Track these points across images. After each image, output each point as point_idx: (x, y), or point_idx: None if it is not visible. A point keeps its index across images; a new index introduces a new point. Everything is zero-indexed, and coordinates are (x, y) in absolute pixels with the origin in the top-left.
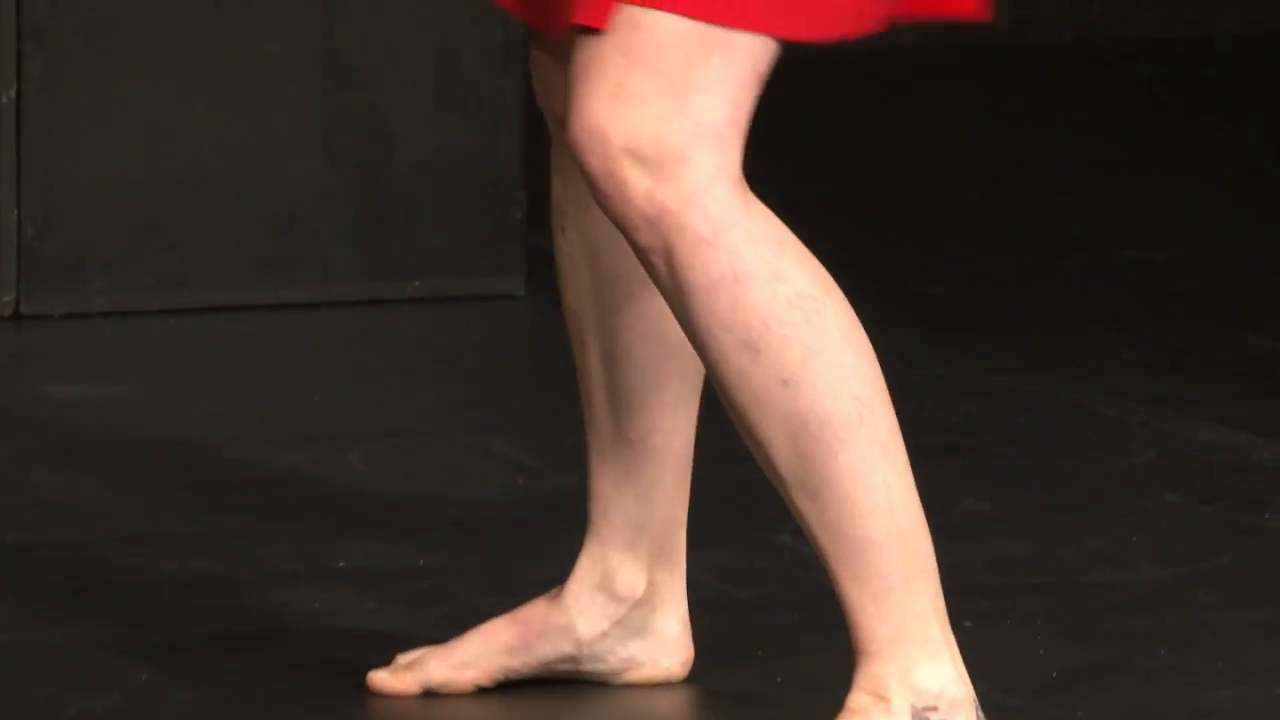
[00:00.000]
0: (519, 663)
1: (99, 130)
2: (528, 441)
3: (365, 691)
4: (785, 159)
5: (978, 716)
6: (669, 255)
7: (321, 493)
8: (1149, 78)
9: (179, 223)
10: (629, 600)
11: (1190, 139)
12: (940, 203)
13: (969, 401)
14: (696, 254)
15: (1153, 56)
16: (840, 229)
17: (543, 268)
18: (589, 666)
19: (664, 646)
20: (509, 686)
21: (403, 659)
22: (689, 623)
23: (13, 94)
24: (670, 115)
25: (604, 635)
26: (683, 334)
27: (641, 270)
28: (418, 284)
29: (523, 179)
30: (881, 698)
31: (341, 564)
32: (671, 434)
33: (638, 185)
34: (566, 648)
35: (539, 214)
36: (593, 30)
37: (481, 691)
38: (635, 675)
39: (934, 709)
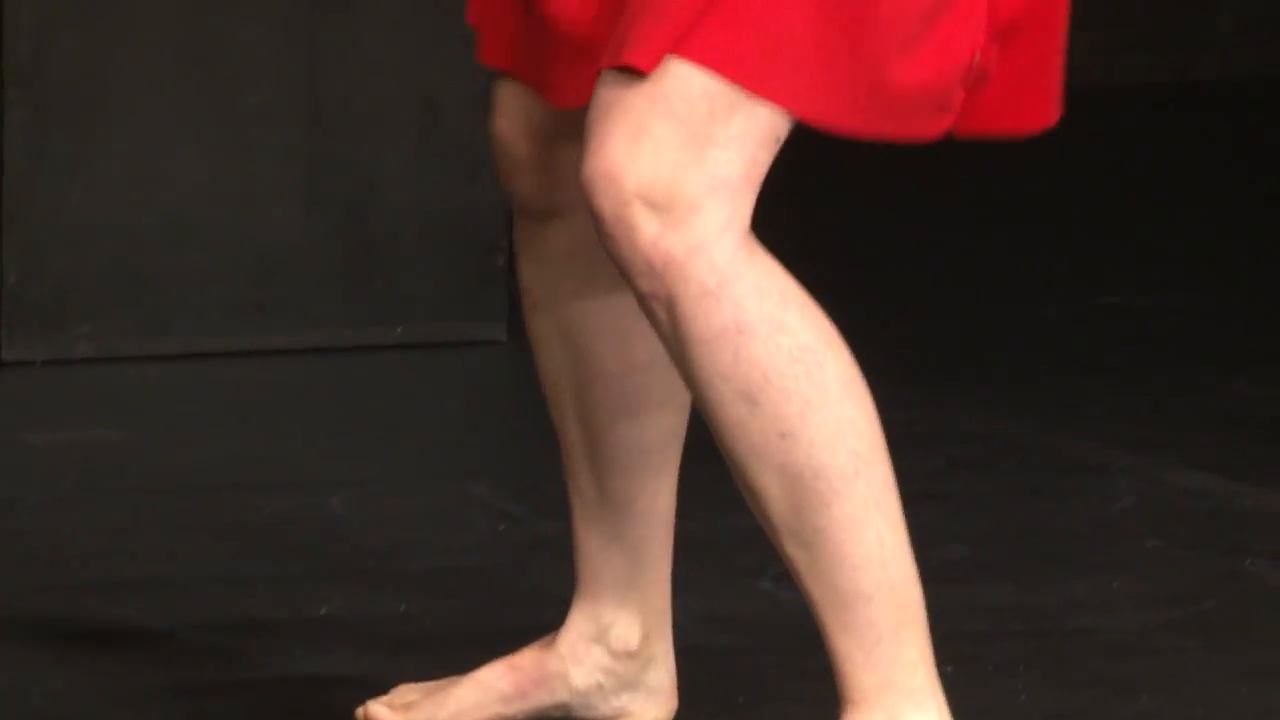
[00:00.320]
0: (514, 710)
1: (82, 177)
2: (509, 487)
3: None
4: (766, 204)
5: None
6: (671, 304)
7: (303, 538)
8: (1130, 123)
9: (162, 269)
10: (624, 654)
11: (1169, 184)
12: (921, 248)
13: (950, 447)
14: (700, 305)
15: (1134, 102)
16: (821, 276)
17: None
18: (580, 714)
19: (653, 697)
20: None
21: (399, 699)
22: (675, 672)
23: None
24: (687, 164)
25: (598, 686)
26: (658, 403)
27: (615, 348)
28: (400, 330)
29: (504, 226)
30: None
31: (323, 610)
32: (656, 494)
33: (646, 231)
34: (561, 696)
35: None
36: (624, 74)
37: None
38: None
39: None
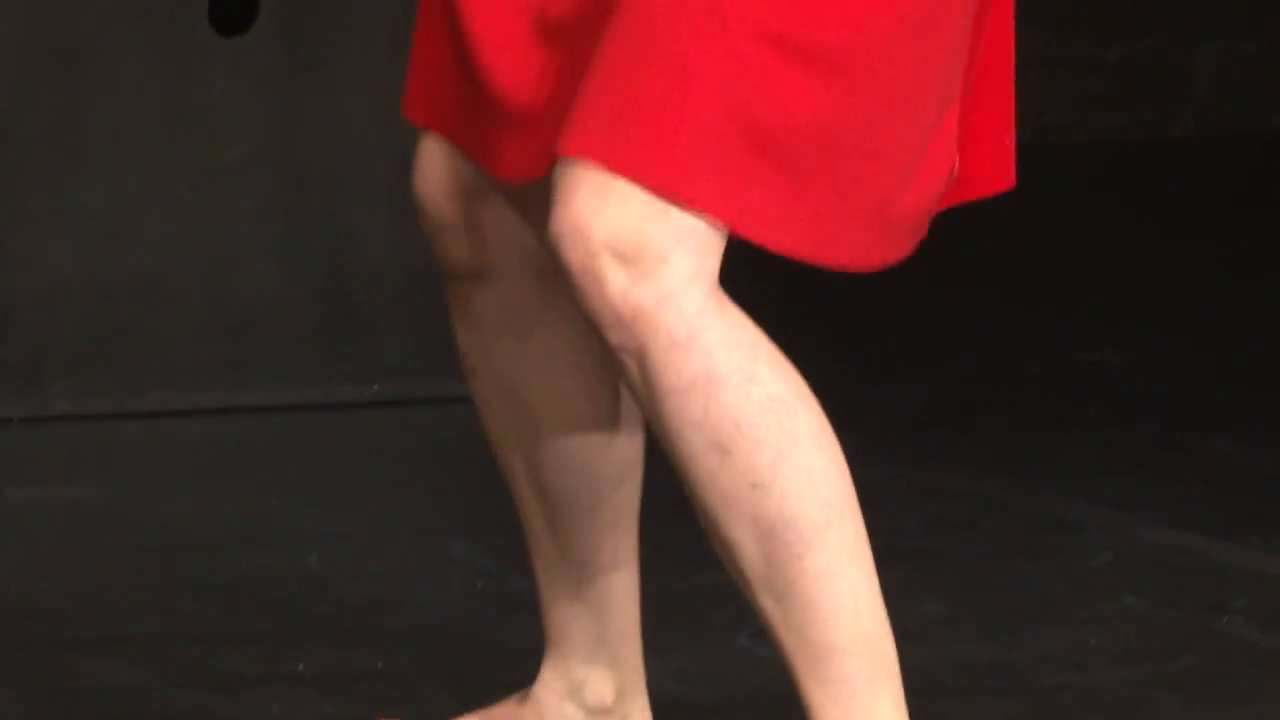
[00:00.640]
0: None
1: (57, 233)
2: (486, 544)
3: None
4: (744, 263)
5: None
6: (642, 356)
7: (280, 595)
8: (1106, 179)
9: (138, 326)
10: (599, 709)
11: (1145, 242)
12: (897, 306)
13: (927, 505)
14: (669, 356)
15: (1109, 158)
16: (799, 333)
17: None
18: None
19: None
20: None
21: None
22: None
23: None
24: (653, 215)
25: None
26: (606, 459)
27: (556, 408)
28: (376, 387)
29: None
30: None
31: (300, 667)
32: (615, 548)
33: (615, 283)
34: None
35: None
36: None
37: None
38: None
39: None
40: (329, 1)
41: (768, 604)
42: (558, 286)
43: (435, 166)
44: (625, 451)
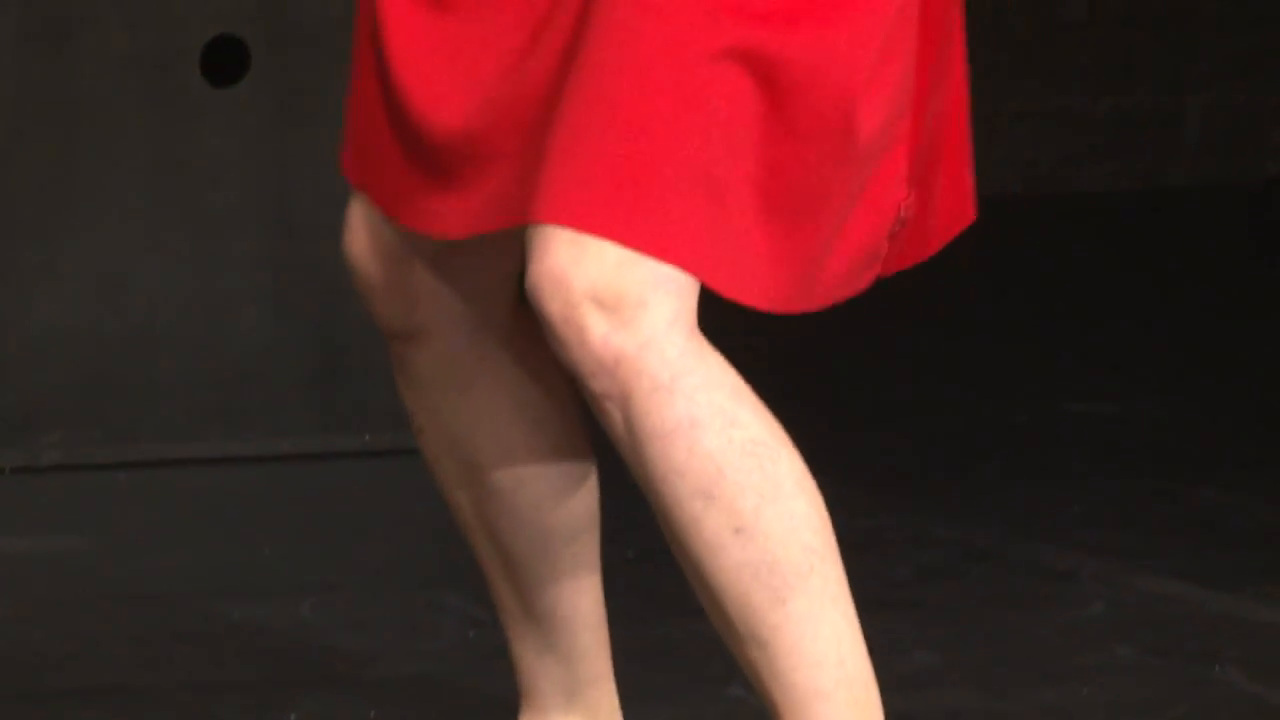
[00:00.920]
0: None
1: (49, 283)
2: (479, 594)
3: None
4: (737, 312)
5: None
6: (625, 401)
7: (272, 645)
8: (1097, 230)
9: (130, 376)
10: None
11: (1136, 293)
12: (889, 356)
13: (920, 554)
14: (652, 400)
15: (1100, 209)
16: (790, 384)
17: None
18: None
19: None
20: None
21: None
22: None
23: None
24: (630, 262)
25: None
26: (557, 515)
27: (503, 462)
28: (368, 437)
29: None
30: None
31: (293, 716)
32: (576, 597)
33: (595, 331)
34: None
35: None
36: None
37: None
38: None
39: None
40: (320, 53)
41: (752, 652)
42: (492, 342)
43: (362, 228)
44: (577, 507)
